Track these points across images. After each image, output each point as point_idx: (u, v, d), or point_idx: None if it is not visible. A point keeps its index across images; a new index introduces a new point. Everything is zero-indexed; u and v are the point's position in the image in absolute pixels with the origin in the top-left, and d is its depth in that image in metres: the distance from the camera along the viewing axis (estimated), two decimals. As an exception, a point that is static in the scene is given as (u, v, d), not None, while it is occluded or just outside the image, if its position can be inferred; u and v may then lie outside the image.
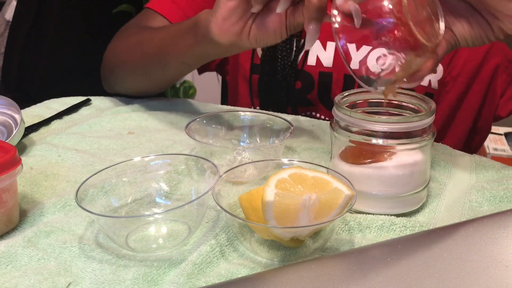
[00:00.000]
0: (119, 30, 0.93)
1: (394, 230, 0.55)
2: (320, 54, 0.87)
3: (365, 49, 0.85)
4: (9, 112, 0.74)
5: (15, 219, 0.56)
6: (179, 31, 0.75)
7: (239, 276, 0.48)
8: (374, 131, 0.55)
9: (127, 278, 0.48)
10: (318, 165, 0.56)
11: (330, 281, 0.43)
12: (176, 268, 0.50)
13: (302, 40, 0.88)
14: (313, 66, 0.88)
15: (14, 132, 0.69)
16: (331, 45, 0.87)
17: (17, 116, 0.72)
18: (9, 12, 1.50)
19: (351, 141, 0.57)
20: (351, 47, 0.87)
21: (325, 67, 0.87)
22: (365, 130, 0.56)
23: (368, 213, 0.58)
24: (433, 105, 0.57)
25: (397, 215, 0.57)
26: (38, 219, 0.58)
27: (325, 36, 0.87)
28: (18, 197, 0.57)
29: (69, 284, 0.48)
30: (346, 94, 0.61)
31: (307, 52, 0.88)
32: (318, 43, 0.87)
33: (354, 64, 0.85)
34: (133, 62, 0.85)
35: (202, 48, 0.70)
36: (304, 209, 0.47)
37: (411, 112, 0.60)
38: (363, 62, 0.84)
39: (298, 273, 0.44)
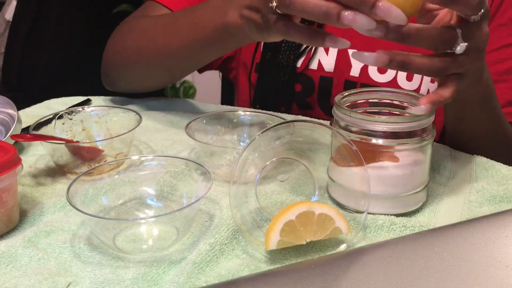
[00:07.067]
0: (119, 26, 0.90)
1: (394, 230, 0.55)
2: (322, 58, 0.88)
3: None
4: (6, 110, 0.74)
5: (15, 219, 0.56)
6: (205, 38, 0.72)
7: (239, 275, 0.48)
8: (374, 131, 0.55)
9: (126, 278, 0.48)
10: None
11: (330, 281, 0.43)
12: (175, 268, 0.50)
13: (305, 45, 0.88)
14: (315, 70, 0.88)
15: (10, 131, 0.69)
16: (333, 50, 0.87)
17: (14, 114, 0.72)
18: (9, 12, 1.50)
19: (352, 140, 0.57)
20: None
21: (326, 72, 0.88)
22: (365, 130, 0.56)
23: (368, 213, 0.58)
24: (433, 105, 0.57)
25: (397, 215, 0.57)
26: (38, 219, 0.58)
27: None
28: (18, 197, 0.57)
29: (69, 284, 0.48)
30: (346, 94, 0.61)
31: (311, 56, 0.88)
32: (320, 47, 0.88)
33: (355, 71, 0.86)
34: (146, 61, 0.83)
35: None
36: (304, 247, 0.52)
37: (411, 112, 0.60)
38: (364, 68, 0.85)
39: (298, 273, 0.44)
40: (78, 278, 0.49)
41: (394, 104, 0.62)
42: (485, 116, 0.72)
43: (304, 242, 0.51)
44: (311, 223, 0.51)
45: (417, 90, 0.84)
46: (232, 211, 0.53)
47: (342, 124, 0.58)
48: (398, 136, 0.55)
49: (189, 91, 2.04)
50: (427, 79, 0.84)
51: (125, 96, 0.93)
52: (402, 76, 0.85)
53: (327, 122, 0.60)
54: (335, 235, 0.52)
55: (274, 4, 0.57)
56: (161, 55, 0.80)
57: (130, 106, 0.89)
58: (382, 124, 0.55)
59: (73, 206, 0.50)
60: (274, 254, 0.51)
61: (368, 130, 0.56)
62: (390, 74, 0.85)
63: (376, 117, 0.55)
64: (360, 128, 0.56)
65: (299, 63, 0.88)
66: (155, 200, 0.59)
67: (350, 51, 0.86)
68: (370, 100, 0.62)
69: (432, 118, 0.57)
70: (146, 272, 0.49)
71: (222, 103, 1.29)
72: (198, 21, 0.73)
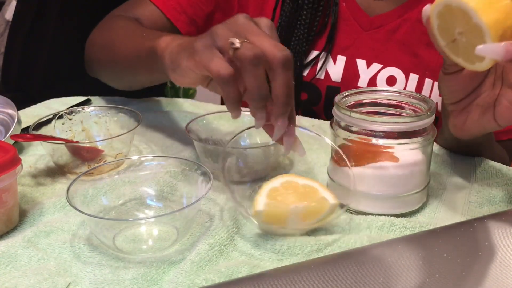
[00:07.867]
0: (106, 17, 0.90)
1: (394, 231, 0.55)
2: (330, 68, 0.87)
3: (375, 66, 0.85)
4: (6, 110, 0.74)
5: (15, 219, 0.56)
6: (143, 60, 0.71)
7: (239, 274, 0.48)
8: (374, 131, 0.55)
9: (126, 278, 0.48)
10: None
11: (330, 281, 0.43)
12: (175, 268, 0.50)
13: (317, 53, 0.87)
14: (322, 79, 0.87)
15: (10, 131, 0.69)
16: (341, 59, 0.86)
17: (14, 114, 0.72)
18: (9, 12, 1.50)
19: (350, 140, 0.57)
20: (361, 63, 0.87)
21: (334, 81, 0.87)
22: (365, 130, 0.56)
23: (368, 214, 0.58)
24: (433, 105, 0.57)
25: (397, 215, 0.57)
26: (38, 219, 0.58)
27: (336, 49, 0.86)
28: (18, 197, 0.57)
29: (69, 284, 0.48)
30: (346, 94, 0.61)
31: (318, 67, 0.87)
32: (328, 56, 0.87)
33: (363, 82, 0.85)
34: (106, 64, 0.86)
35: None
36: (292, 215, 0.53)
37: (411, 112, 0.60)
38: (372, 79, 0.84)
39: (298, 273, 0.44)
40: (78, 278, 0.49)
41: (395, 104, 0.62)
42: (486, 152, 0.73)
43: (292, 206, 0.52)
44: (296, 190, 0.54)
45: None
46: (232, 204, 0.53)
47: (342, 124, 0.58)
48: (398, 136, 0.55)
49: (189, 91, 2.04)
50: (435, 92, 0.83)
51: (125, 96, 0.93)
52: (410, 88, 0.84)
53: (327, 123, 0.60)
54: (322, 204, 0.54)
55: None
56: (114, 62, 0.82)
57: (130, 106, 0.88)
58: (382, 124, 0.55)
59: (73, 206, 0.50)
60: (274, 253, 0.51)
61: (368, 130, 0.56)
62: (398, 85, 0.85)
63: (376, 117, 0.55)
64: (360, 128, 0.56)
65: (306, 72, 0.88)
66: (155, 200, 0.59)
67: (360, 61, 0.86)
68: (370, 101, 0.62)
69: (432, 118, 0.57)
70: (146, 272, 0.49)
71: (222, 103, 1.29)
72: (147, 38, 0.72)
